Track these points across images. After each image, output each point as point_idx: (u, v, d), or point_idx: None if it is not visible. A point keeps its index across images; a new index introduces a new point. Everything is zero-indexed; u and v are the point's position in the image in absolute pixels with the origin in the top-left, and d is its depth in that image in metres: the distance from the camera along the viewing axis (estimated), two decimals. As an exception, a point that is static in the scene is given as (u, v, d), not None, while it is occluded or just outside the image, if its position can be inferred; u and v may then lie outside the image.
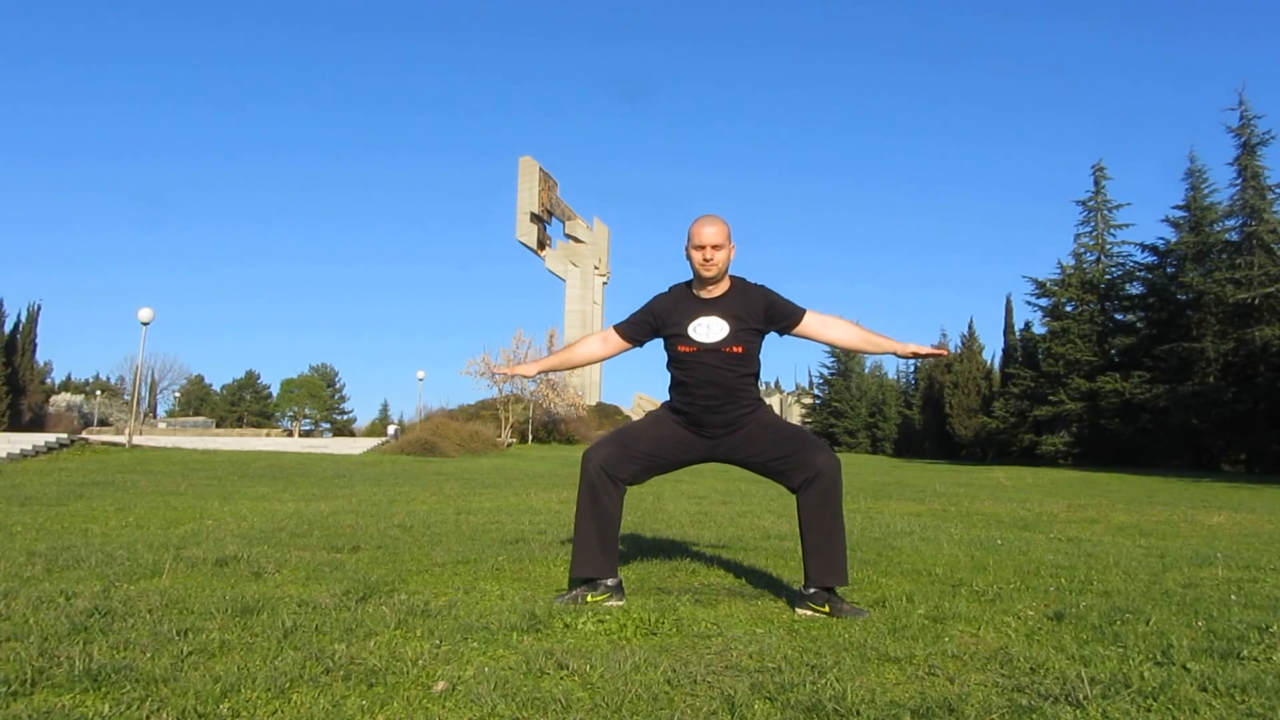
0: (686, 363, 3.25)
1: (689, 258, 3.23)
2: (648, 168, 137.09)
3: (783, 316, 3.30)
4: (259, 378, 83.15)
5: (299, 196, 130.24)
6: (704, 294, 3.26)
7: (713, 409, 3.25)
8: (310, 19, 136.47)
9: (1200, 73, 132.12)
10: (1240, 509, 10.27)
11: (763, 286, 3.32)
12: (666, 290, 3.38)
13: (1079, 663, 2.40)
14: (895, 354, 3.41)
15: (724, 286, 3.27)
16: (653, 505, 8.37)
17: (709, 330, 3.22)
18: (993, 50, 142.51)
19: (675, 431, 3.33)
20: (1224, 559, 4.86)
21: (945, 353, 3.21)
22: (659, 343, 3.39)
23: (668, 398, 3.41)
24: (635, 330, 3.40)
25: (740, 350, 3.23)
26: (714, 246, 3.17)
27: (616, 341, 3.45)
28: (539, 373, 3.44)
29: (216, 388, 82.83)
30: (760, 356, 3.33)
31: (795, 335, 3.36)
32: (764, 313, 3.27)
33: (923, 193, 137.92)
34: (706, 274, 3.20)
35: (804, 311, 3.32)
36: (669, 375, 3.37)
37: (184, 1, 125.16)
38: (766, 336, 3.33)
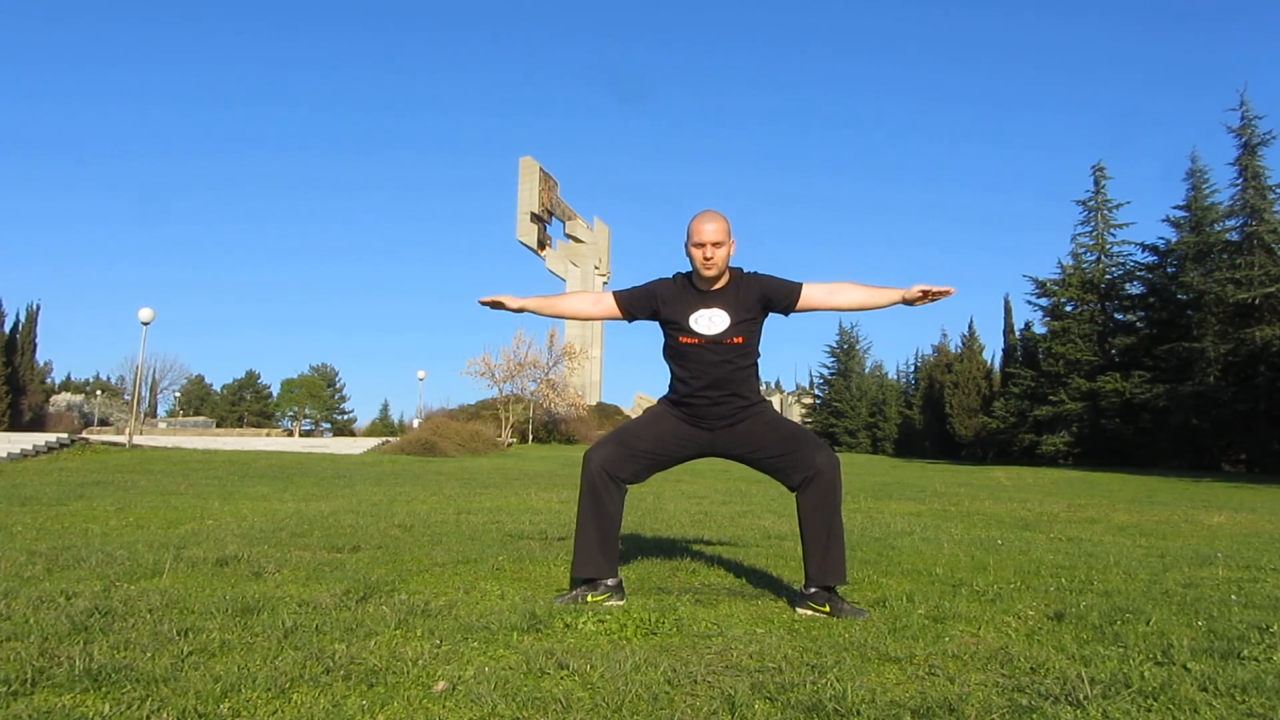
0: (688, 354, 3.26)
1: (689, 254, 3.24)
2: (648, 168, 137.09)
3: (781, 296, 3.28)
4: (259, 377, 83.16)
5: (299, 196, 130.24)
6: (705, 287, 3.27)
7: (714, 400, 3.26)
8: (311, 18, 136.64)
9: (1201, 73, 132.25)
10: (1240, 509, 10.27)
11: (756, 273, 3.33)
12: (669, 277, 3.37)
13: (1079, 663, 2.40)
14: (905, 301, 3.25)
15: (724, 280, 3.27)
16: (653, 505, 8.37)
17: (711, 322, 3.23)
18: (993, 49, 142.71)
19: (675, 426, 3.34)
20: (1224, 559, 4.86)
21: (952, 291, 3.20)
22: (657, 331, 3.39)
23: (666, 391, 3.42)
24: (633, 304, 3.38)
25: (741, 341, 3.25)
26: (714, 244, 3.17)
27: (609, 306, 3.42)
28: (520, 309, 3.45)
29: (217, 387, 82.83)
30: (760, 349, 3.33)
31: (801, 311, 3.31)
32: (761, 299, 3.27)
33: (922, 192, 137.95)
34: (708, 272, 3.21)
35: (801, 285, 3.28)
36: (668, 368, 3.37)
37: (184, 1, 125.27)
38: (772, 318, 3.33)
